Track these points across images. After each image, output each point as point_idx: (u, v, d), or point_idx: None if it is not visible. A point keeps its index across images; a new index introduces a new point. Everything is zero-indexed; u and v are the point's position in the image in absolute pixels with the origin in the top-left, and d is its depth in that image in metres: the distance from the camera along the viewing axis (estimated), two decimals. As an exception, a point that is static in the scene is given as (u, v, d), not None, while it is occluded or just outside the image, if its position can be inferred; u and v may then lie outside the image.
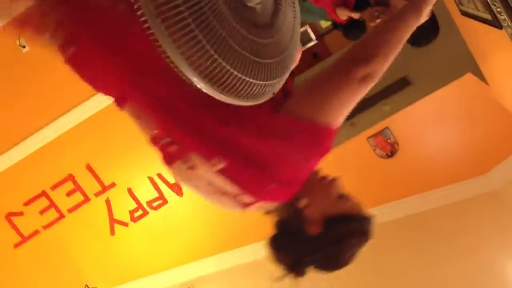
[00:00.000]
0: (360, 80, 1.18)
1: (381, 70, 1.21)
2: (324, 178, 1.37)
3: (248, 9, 0.90)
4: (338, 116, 1.22)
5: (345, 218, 1.33)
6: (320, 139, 1.23)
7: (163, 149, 1.32)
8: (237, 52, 0.88)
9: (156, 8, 0.85)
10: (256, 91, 0.95)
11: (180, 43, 0.86)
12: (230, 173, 1.21)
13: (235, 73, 0.89)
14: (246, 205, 1.28)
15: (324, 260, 1.36)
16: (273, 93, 1.01)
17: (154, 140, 1.33)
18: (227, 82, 0.91)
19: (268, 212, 1.40)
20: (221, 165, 1.19)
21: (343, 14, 2.76)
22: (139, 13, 0.88)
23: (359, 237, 1.34)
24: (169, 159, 1.31)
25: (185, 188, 4.78)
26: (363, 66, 1.18)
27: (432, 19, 2.26)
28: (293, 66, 1.14)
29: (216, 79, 0.91)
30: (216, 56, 0.87)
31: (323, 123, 1.20)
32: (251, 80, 0.91)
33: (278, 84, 0.99)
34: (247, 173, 1.22)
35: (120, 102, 1.33)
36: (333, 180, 1.37)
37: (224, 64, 0.88)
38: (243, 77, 0.90)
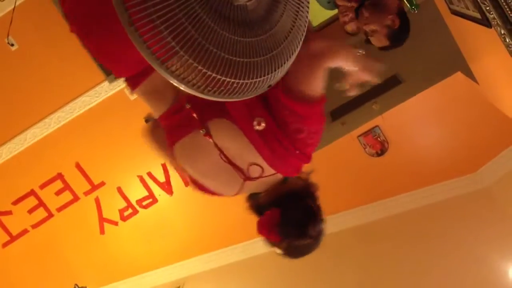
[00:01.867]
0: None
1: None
2: None
3: (236, 8, 0.89)
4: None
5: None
6: (321, 114, 1.31)
7: (176, 121, 1.37)
8: (215, 54, 0.88)
9: (129, 17, 0.86)
10: (242, 88, 0.94)
11: (153, 48, 0.87)
12: (265, 137, 1.27)
13: (213, 74, 0.89)
14: (250, 179, 1.36)
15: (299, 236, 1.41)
16: (269, 86, 1.00)
17: (169, 113, 1.39)
18: (205, 83, 0.91)
19: (251, 196, 1.48)
20: (263, 125, 1.25)
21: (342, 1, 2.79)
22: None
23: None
24: (179, 133, 1.36)
25: (175, 187, 4.79)
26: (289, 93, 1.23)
27: (403, 19, 2.22)
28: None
29: (194, 81, 0.91)
30: (191, 60, 0.87)
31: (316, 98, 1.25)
32: (233, 80, 0.91)
33: (272, 78, 0.98)
34: (277, 142, 1.29)
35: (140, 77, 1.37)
36: None
37: (200, 67, 0.88)
38: (223, 78, 0.90)
